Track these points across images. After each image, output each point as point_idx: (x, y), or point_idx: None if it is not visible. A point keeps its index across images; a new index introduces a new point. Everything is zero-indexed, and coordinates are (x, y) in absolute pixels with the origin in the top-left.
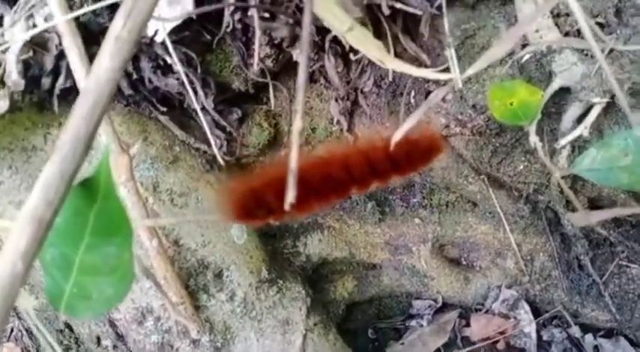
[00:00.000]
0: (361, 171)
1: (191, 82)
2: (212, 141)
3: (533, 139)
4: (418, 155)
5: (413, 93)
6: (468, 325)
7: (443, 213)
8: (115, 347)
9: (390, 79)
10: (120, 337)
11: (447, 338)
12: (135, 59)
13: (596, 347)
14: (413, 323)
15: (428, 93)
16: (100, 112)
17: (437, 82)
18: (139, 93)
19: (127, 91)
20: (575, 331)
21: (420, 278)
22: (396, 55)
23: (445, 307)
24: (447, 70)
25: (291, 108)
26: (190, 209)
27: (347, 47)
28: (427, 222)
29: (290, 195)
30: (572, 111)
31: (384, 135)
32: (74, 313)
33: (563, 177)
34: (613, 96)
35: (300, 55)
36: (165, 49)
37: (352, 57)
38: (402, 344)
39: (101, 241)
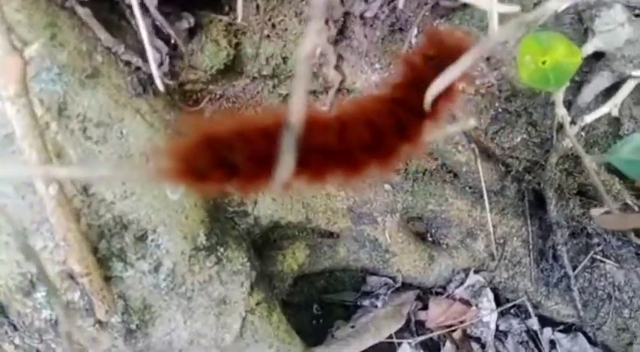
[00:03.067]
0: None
1: None
2: (149, 54)
3: (561, 112)
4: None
5: (415, 31)
6: (423, 308)
7: (418, 182)
8: None
9: (400, 5)
10: None
11: (402, 323)
12: None
13: (552, 342)
14: (366, 302)
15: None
16: None
17: (448, 19)
18: None
19: None
20: (534, 323)
21: (380, 252)
22: None
23: (401, 286)
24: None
25: (259, 25)
26: (109, 146)
27: None
28: (398, 190)
29: (285, 167)
30: (598, 81)
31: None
32: None
33: (561, 156)
34: None
35: None
36: None
37: None
38: (353, 326)
39: None
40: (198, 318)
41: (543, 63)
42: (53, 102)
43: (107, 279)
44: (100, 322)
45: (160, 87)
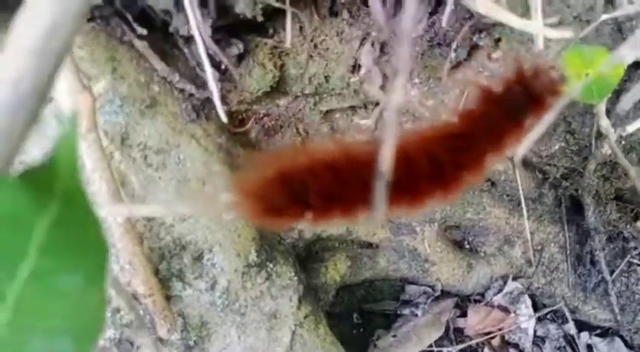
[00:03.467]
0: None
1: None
2: (211, 82)
3: (605, 124)
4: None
5: (454, 46)
6: (462, 316)
7: None
8: None
9: (444, 23)
10: None
11: (442, 331)
12: None
13: (589, 347)
14: (406, 311)
15: (473, 46)
16: None
17: (488, 34)
18: (110, 4)
19: (93, 0)
20: (571, 327)
21: (419, 262)
22: None
23: (440, 294)
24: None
25: (304, 47)
26: (168, 172)
27: None
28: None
29: (380, 201)
30: (636, 90)
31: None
32: None
33: (599, 163)
34: None
35: None
36: None
37: None
38: (394, 336)
39: (56, 266)
40: (251, 333)
41: (586, 75)
42: (116, 132)
43: (168, 299)
44: (160, 339)
45: (222, 116)
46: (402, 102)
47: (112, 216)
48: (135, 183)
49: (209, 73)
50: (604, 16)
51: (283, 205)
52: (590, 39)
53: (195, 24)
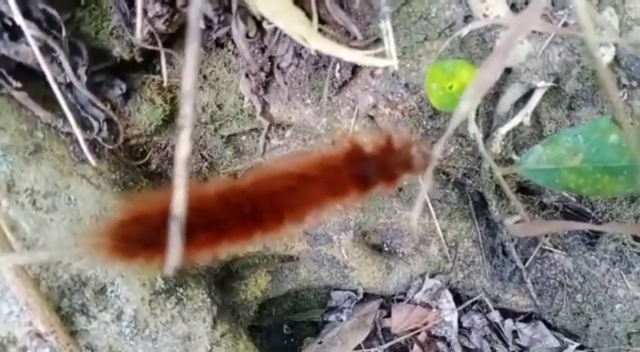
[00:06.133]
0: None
1: (51, 50)
2: (73, 128)
3: (473, 130)
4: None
5: (338, 67)
6: (388, 316)
7: (366, 199)
8: None
9: (312, 52)
10: None
11: (367, 333)
12: None
13: (515, 332)
14: (332, 317)
15: (355, 67)
16: None
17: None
18: None
19: None
20: (495, 316)
21: (339, 269)
22: (319, 20)
23: (365, 297)
24: (378, 45)
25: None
26: (60, 213)
27: (256, 14)
28: (349, 209)
29: (173, 254)
30: (511, 93)
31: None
32: None
33: (495, 160)
34: (557, 80)
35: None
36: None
37: (265, 25)
38: (320, 342)
39: None
40: None
41: (450, 88)
42: (1, 181)
43: (73, 333)
44: None
45: (91, 161)
46: (188, 155)
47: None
48: (25, 227)
49: (73, 124)
50: (464, 30)
51: (136, 246)
52: (457, 51)
53: (56, 74)
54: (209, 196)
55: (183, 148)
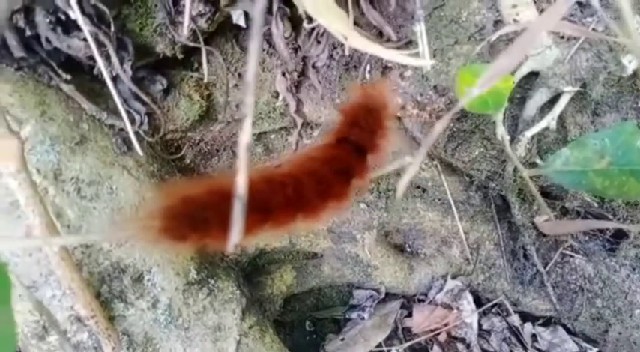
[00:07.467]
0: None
1: (102, 44)
2: (124, 119)
3: (501, 131)
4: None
5: (369, 68)
6: (409, 315)
7: (390, 199)
8: None
9: (347, 52)
10: None
11: (388, 332)
12: (27, 11)
13: (534, 336)
14: (354, 315)
15: (385, 68)
16: None
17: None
18: (35, 55)
19: (18, 53)
20: (515, 319)
21: (362, 267)
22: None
23: (387, 296)
24: (409, 47)
25: (227, 77)
26: (102, 202)
27: (301, 13)
28: (373, 208)
29: (235, 232)
30: (538, 97)
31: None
32: None
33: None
34: (584, 86)
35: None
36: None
37: (305, 25)
38: (343, 339)
39: None
40: (196, 346)
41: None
42: (49, 170)
43: (111, 319)
44: None
45: (139, 151)
46: (249, 141)
47: (46, 246)
48: (70, 215)
49: (123, 114)
50: (494, 35)
51: (186, 229)
52: (487, 56)
53: (107, 67)
54: (254, 180)
55: (245, 134)
